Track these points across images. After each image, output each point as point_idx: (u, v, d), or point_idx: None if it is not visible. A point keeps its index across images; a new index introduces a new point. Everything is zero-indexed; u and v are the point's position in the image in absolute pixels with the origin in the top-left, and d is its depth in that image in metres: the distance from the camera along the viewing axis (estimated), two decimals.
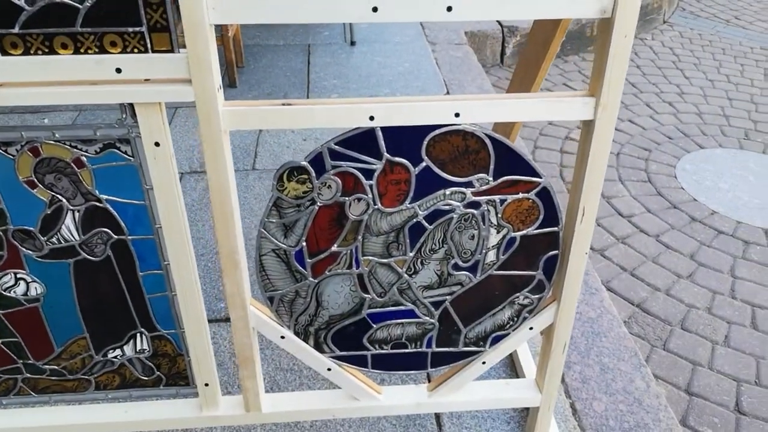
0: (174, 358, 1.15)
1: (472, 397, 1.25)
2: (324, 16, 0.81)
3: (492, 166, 0.98)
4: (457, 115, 0.91)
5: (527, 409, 1.40)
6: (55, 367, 1.13)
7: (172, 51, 0.83)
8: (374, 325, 1.14)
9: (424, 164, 0.97)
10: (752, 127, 3.15)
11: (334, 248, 1.04)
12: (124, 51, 0.83)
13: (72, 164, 0.92)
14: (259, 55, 3.23)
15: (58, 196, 0.94)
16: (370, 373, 1.22)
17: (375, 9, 0.82)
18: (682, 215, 2.49)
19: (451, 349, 1.19)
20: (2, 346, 1.09)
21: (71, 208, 0.95)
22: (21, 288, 1.03)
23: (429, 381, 1.47)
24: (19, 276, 1.01)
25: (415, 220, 1.02)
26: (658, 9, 4.38)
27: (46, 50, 0.82)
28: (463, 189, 1.00)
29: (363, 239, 1.04)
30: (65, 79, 0.83)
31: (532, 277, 1.10)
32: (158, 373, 1.16)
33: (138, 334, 1.11)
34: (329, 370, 1.18)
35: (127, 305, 1.07)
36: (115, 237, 0.99)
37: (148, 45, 0.83)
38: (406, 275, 1.08)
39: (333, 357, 1.17)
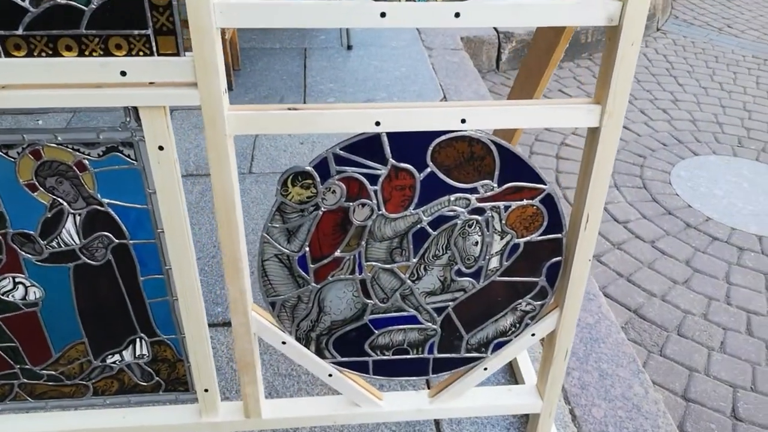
0: (174, 364, 1.13)
1: (474, 404, 1.25)
2: (332, 21, 0.81)
3: (497, 173, 0.98)
4: (463, 121, 0.91)
5: (527, 415, 1.40)
6: (53, 372, 1.12)
7: (177, 54, 0.82)
8: (376, 331, 1.14)
9: (429, 170, 0.97)
10: (745, 135, 3.18)
11: (338, 254, 1.04)
12: (129, 54, 0.82)
13: (74, 167, 0.91)
14: (256, 59, 3.23)
15: (59, 199, 0.93)
16: (371, 379, 1.21)
17: (383, 14, 0.82)
18: (677, 221, 2.51)
19: (453, 356, 1.18)
20: None
21: (72, 211, 0.94)
22: (19, 292, 1.01)
23: (428, 387, 1.47)
24: (17, 280, 1.00)
25: (419, 225, 1.02)
26: (651, 17, 4.41)
27: (50, 52, 0.81)
28: (467, 195, 0.99)
29: (366, 245, 1.03)
30: (69, 81, 0.82)
31: (534, 283, 1.10)
32: (157, 378, 1.15)
33: (137, 339, 1.09)
34: (330, 376, 1.17)
35: (127, 310, 1.06)
36: (117, 241, 0.98)
37: (154, 48, 0.82)
38: (409, 281, 1.08)
39: (334, 363, 1.17)
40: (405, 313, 1.12)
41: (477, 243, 1.05)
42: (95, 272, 1.01)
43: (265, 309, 1.11)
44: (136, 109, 0.87)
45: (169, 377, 1.15)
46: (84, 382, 1.14)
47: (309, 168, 0.95)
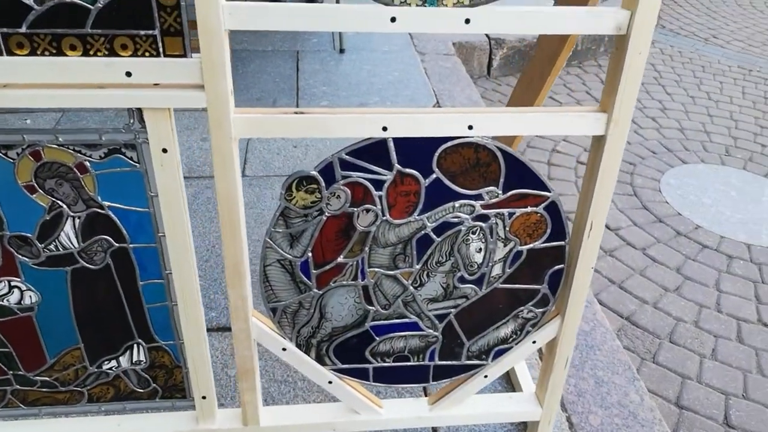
0: (171, 370, 1.11)
1: (473, 411, 1.24)
2: (343, 25, 0.80)
3: (502, 179, 0.97)
4: (470, 127, 0.91)
5: (524, 422, 1.40)
6: (47, 378, 1.09)
7: (184, 56, 0.81)
8: (377, 338, 1.13)
9: (434, 176, 0.96)
10: (732, 144, 3.22)
11: (340, 259, 1.03)
12: (134, 54, 0.80)
13: (74, 169, 0.89)
14: (248, 60, 3.21)
15: (58, 201, 0.91)
16: (370, 386, 1.20)
17: (393, 19, 0.81)
18: (667, 229, 2.53)
19: (454, 363, 1.18)
20: None
21: (72, 214, 0.92)
22: (15, 296, 0.99)
23: (425, 394, 1.46)
24: (13, 284, 0.98)
25: (423, 232, 1.01)
26: None
27: (54, 51, 0.79)
28: (472, 202, 0.99)
29: (370, 251, 1.02)
30: (72, 81, 0.81)
31: (536, 290, 1.10)
32: (154, 385, 1.13)
33: (135, 345, 1.07)
34: (330, 383, 1.16)
35: (125, 315, 1.04)
36: (116, 245, 0.96)
37: (160, 49, 0.80)
38: (411, 287, 1.07)
39: (334, 370, 1.16)
40: (407, 320, 1.11)
41: (480, 250, 1.04)
42: (93, 276, 0.98)
43: (265, 315, 1.09)
44: (140, 110, 0.85)
45: (166, 384, 1.13)
46: (79, 389, 1.11)
47: (314, 172, 0.94)
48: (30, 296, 0.99)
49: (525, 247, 1.05)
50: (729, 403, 1.80)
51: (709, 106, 3.61)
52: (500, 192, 0.99)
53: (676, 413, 1.77)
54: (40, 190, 0.90)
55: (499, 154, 0.95)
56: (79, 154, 0.87)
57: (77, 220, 0.93)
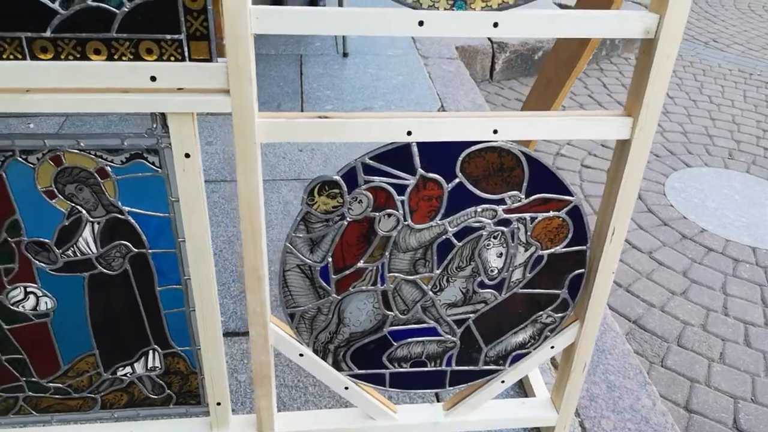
0: (186, 376, 1.10)
1: (489, 416, 1.23)
2: (370, 29, 0.80)
3: (525, 184, 0.97)
4: (495, 131, 0.90)
5: (537, 428, 1.39)
6: (60, 385, 1.08)
7: (210, 60, 0.80)
8: (395, 343, 1.12)
9: (457, 180, 0.95)
10: (735, 147, 3.23)
11: (360, 264, 1.02)
12: (159, 59, 0.79)
13: (95, 174, 0.88)
14: None
15: (77, 207, 0.90)
16: (384, 391, 1.19)
17: (421, 23, 0.81)
18: (672, 233, 2.53)
19: (471, 368, 1.17)
20: (6, 363, 1.03)
21: (91, 219, 0.91)
22: (30, 302, 0.98)
23: (437, 399, 1.45)
24: (29, 290, 0.96)
25: (444, 236, 1.01)
26: None
27: (78, 56, 0.78)
28: (494, 206, 0.98)
29: (390, 255, 1.02)
30: (96, 86, 0.80)
31: (556, 295, 1.09)
32: (169, 391, 1.12)
33: (150, 351, 1.06)
34: (346, 388, 1.15)
35: (142, 321, 1.02)
36: (135, 250, 0.95)
37: (186, 53, 0.80)
38: (431, 292, 1.06)
39: (351, 375, 1.15)
40: (425, 325, 1.10)
41: (501, 254, 1.04)
42: (111, 282, 0.97)
43: (282, 320, 1.08)
44: (163, 115, 0.84)
45: (181, 390, 1.12)
46: (92, 395, 1.10)
47: (337, 177, 0.93)
48: (46, 302, 0.98)
49: (546, 252, 1.04)
50: (738, 406, 1.80)
51: (711, 110, 3.62)
52: (523, 196, 0.98)
53: (686, 417, 1.77)
54: (60, 196, 0.89)
55: (523, 158, 0.94)
56: (100, 159, 0.86)
57: (96, 226, 0.92)
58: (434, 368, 1.16)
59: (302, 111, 2.79)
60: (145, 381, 1.10)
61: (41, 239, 0.92)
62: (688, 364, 1.94)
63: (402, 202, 0.96)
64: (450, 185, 0.96)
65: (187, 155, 0.87)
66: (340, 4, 3.25)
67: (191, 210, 0.91)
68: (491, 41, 3.70)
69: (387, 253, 1.01)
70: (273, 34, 0.79)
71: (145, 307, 1.01)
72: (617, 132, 0.92)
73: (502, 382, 1.18)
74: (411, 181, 0.95)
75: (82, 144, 0.85)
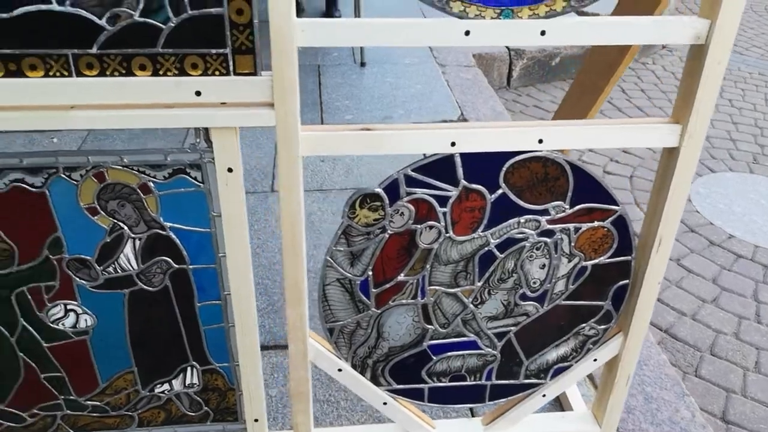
0: (224, 393, 1.09)
1: (530, 431, 1.21)
2: (417, 40, 0.79)
3: (570, 194, 0.95)
4: (540, 141, 0.89)
5: None
6: (98, 403, 1.07)
7: (254, 74, 0.80)
8: (434, 357, 1.10)
9: (500, 191, 0.94)
10: (759, 152, 3.19)
11: (401, 277, 1.00)
12: (204, 73, 0.79)
13: (138, 190, 0.87)
14: None
15: (119, 223, 0.89)
16: (423, 406, 1.17)
17: (467, 33, 0.79)
18: (700, 239, 2.49)
19: (512, 382, 1.14)
20: (44, 381, 1.03)
21: (132, 236, 0.90)
22: (70, 320, 0.97)
23: (472, 414, 1.43)
24: (69, 307, 0.96)
25: (486, 248, 0.99)
26: None
27: (123, 72, 0.78)
28: (538, 217, 0.97)
29: (431, 268, 1.00)
30: (141, 102, 0.79)
31: (599, 307, 1.07)
32: (206, 408, 1.10)
33: (189, 368, 1.05)
34: (385, 404, 1.13)
35: (181, 338, 1.01)
36: (176, 266, 0.94)
37: (231, 67, 0.79)
38: (471, 305, 1.05)
39: (389, 390, 1.13)
40: (465, 339, 1.08)
41: (544, 266, 1.02)
42: (151, 299, 0.96)
43: (320, 335, 1.07)
44: (206, 129, 0.83)
45: (219, 407, 1.11)
46: (129, 413, 1.09)
47: (379, 189, 0.92)
48: (85, 319, 0.97)
49: (590, 263, 1.02)
50: None
51: (733, 114, 3.58)
52: (567, 207, 0.96)
53: (723, 429, 1.73)
54: (102, 212, 0.88)
55: (568, 168, 0.93)
56: (143, 175, 0.86)
57: (137, 242, 0.91)
58: (474, 382, 1.14)
59: (322, 122, 2.79)
60: (182, 398, 1.08)
61: (82, 256, 0.91)
62: (723, 373, 1.89)
63: (444, 213, 0.95)
64: (493, 196, 0.94)
65: (230, 169, 0.86)
66: (357, 13, 3.26)
67: (233, 225, 0.90)
68: (508, 48, 3.69)
69: (428, 266, 1.00)
70: (318, 46, 0.79)
71: (185, 323, 1.00)
72: (665, 140, 0.90)
73: (543, 396, 1.16)
74: (453, 192, 0.93)
75: (125, 160, 0.84)
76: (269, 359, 1.59)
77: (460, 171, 0.91)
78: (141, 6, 0.74)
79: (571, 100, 1.27)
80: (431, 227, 0.96)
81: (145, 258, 0.93)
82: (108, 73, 0.77)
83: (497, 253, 0.99)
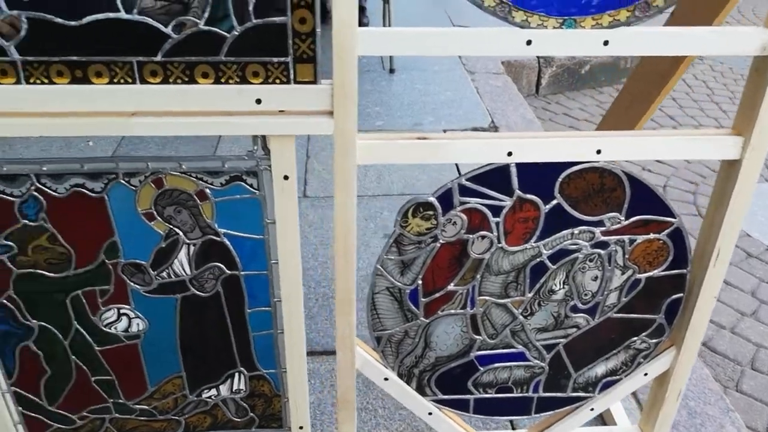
0: (270, 399, 1.09)
1: None
2: (477, 49, 0.78)
3: (626, 205, 0.93)
4: (598, 152, 0.87)
5: None
6: (146, 407, 1.07)
7: (314, 82, 0.80)
8: (481, 368, 1.09)
9: (555, 202, 0.93)
10: None
11: (451, 287, 0.99)
12: (265, 81, 0.79)
13: (194, 196, 0.87)
14: None
15: (175, 229, 0.90)
16: (469, 417, 1.16)
17: (529, 42, 0.79)
18: (737, 251, 2.44)
19: (559, 395, 1.13)
20: (95, 384, 1.03)
21: (187, 241, 0.91)
22: (122, 324, 0.98)
23: (512, 427, 1.41)
24: (122, 311, 0.97)
25: (538, 259, 0.98)
26: None
27: (186, 79, 0.78)
28: (592, 228, 0.95)
29: (481, 278, 0.99)
30: (202, 109, 0.80)
31: (652, 320, 1.05)
32: (252, 414, 1.10)
33: (236, 374, 1.05)
34: (430, 414, 1.12)
35: (230, 343, 1.02)
36: (228, 272, 0.94)
37: (291, 75, 0.79)
38: (521, 316, 1.03)
39: (434, 400, 1.12)
40: (513, 350, 1.07)
41: (596, 278, 1.00)
42: (202, 304, 0.97)
43: (367, 344, 1.06)
44: (264, 137, 0.84)
45: (264, 413, 1.11)
46: (176, 418, 1.09)
47: (432, 199, 0.91)
48: (138, 324, 0.98)
49: (643, 275, 1.00)
50: None
51: None
52: (623, 218, 0.94)
53: None
54: (159, 218, 0.89)
55: (625, 179, 0.91)
56: (201, 182, 0.86)
57: (192, 248, 0.92)
58: (520, 394, 1.12)
59: None
60: (229, 403, 1.09)
61: (138, 261, 0.92)
62: (765, 388, 1.85)
63: (497, 223, 0.94)
64: (547, 207, 0.93)
65: (286, 177, 0.86)
66: (386, 20, 3.26)
67: (286, 231, 0.91)
68: (537, 56, 3.66)
69: (478, 276, 0.99)
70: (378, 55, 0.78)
71: (234, 329, 1.00)
72: (726, 152, 0.88)
73: (591, 409, 1.14)
74: (507, 202, 0.92)
75: (184, 166, 0.85)
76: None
77: (515, 181, 0.91)
78: (206, 15, 0.74)
79: (619, 108, 1.26)
80: (483, 237, 0.95)
81: (199, 264, 0.93)
82: (171, 80, 0.78)
83: (549, 264, 0.98)
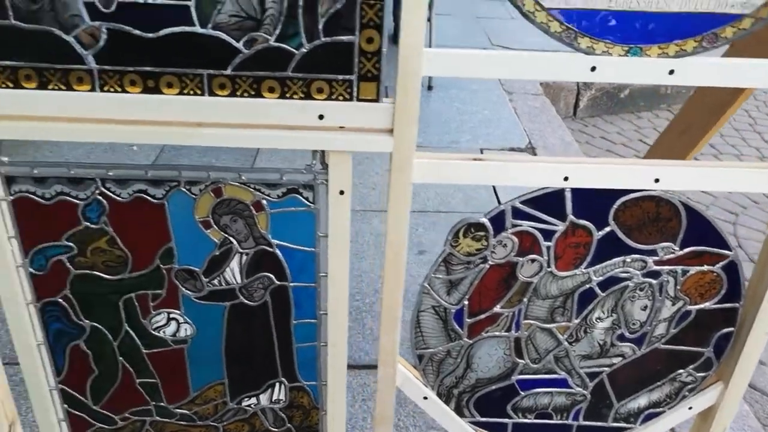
0: (308, 411, 1.09)
1: None
2: (543, 74, 0.79)
3: (681, 236, 0.92)
4: (656, 180, 0.87)
5: None
6: (186, 411, 1.09)
7: (377, 100, 0.81)
8: (522, 393, 1.08)
9: (608, 229, 0.92)
10: None
11: (497, 309, 0.99)
12: (328, 98, 0.81)
13: (251, 207, 0.89)
14: None
15: (230, 238, 0.91)
16: None
17: (593, 68, 0.79)
18: None
19: (600, 424, 1.11)
20: (139, 386, 1.05)
21: (240, 251, 0.92)
22: (171, 328, 0.99)
23: None
24: (172, 316, 0.98)
25: (587, 285, 0.97)
26: None
27: (253, 93, 0.80)
28: (645, 257, 0.94)
29: (528, 302, 0.98)
30: (266, 122, 0.82)
31: (700, 353, 1.03)
32: (289, 425, 1.11)
33: (277, 384, 1.06)
34: None
35: (273, 353, 1.02)
36: (277, 283, 0.95)
37: (354, 93, 0.80)
38: (566, 342, 1.02)
39: (472, 422, 1.11)
40: (555, 376, 1.06)
41: (646, 308, 0.99)
42: (250, 313, 0.98)
43: (409, 361, 1.06)
44: (323, 152, 0.85)
45: (301, 425, 1.11)
46: (215, 424, 1.10)
47: (484, 220, 0.92)
48: (186, 329, 1.00)
49: (694, 307, 0.98)
50: None
51: None
52: (677, 248, 0.93)
53: None
54: (215, 226, 0.90)
55: (682, 209, 0.90)
56: (258, 193, 0.88)
57: (244, 257, 0.93)
58: (560, 421, 1.11)
59: None
60: (267, 413, 1.09)
61: (191, 267, 0.94)
62: None
63: (548, 248, 0.93)
64: (600, 233, 0.92)
65: (341, 192, 0.87)
66: (428, 38, 3.29)
67: (337, 246, 0.91)
68: None
69: (525, 300, 0.98)
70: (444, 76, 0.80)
71: (279, 339, 1.01)
72: None
73: None
74: (560, 227, 0.92)
75: (243, 177, 0.87)
76: None
77: (569, 206, 0.90)
78: (277, 32, 0.76)
79: (670, 137, 1.24)
80: (533, 261, 0.95)
81: (250, 273, 0.95)
82: (238, 93, 0.80)
83: (598, 291, 0.97)
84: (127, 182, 0.87)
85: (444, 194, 2.46)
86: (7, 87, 0.79)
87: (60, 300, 0.96)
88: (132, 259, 0.93)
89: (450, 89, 3.38)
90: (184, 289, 0.96)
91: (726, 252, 0.94)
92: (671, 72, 0.79)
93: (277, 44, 0.77)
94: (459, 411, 1.10)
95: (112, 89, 0.79)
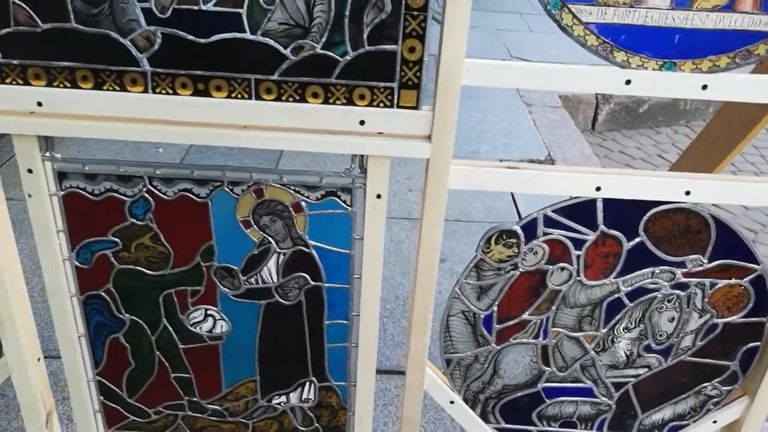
0: (336, 411, 1.11)
1: None
2: (579, 86, 0.81)
3: (710, 248, 0.94)
4: (687, 193, 0.88)
5: None
6: (218, 407, 1.11)
7: (416, 108, 0.84)
8: (547, 400, 1.09)
9: (638, 240, 0.94)
10: None
11: (525, 316, 1.01)
12: (370, 104, 0.83)
13: (290, 208, 0.92)
14: None
15: (268, 237, 0.94)
16: None
17: (628, 82, 0.81)
18: None
19: None
20: (173, 380, 1.08)
21: (278, 251, 0.95)
22: (207, 324, 1.02)
23: None
24: (209, 312, 1.01)
25: (615, 295, 0.98)
26: None
27: (297, 98, 0.83)
28: (674, 269, 0.96)
29: (556, 310, 1.00)
30: (309, 126, 0.85)
31: (726, 367, 1.04)
32: (317, 424, 1.13)
33: (307, 383, 1.08)
34: None
35: (305, 352, 1.05)
36: (312, 283, 0.98)
37: (395, 100, 0.83)
38: (593, 352, 1.04)
39: (497, 428, 1.12)
40: (581, 385, 1.07)
41: (673, 319, 1.00)
42: (284, 312, 1.01)
43: (436, 365, 1.08)
44: (362, 156, 0.88)
45: (329, 425, 1.13)
46: (245, 421, 1.13)
47: (516, 227, 0.94)
48: (222, 326, 1.02)
49: (721, 320, 0.99)
50: None
51: None
52: (705, 261, 0.95)
53: None
54: (255, 226, 0.93)
55: (711, 222, 0.92)
56: (298, 194, 0.91)
57: (281, 257, 0.96)
58: (584, 431, 1.12)
59: None
60: (296, 411, 1.12)
61: (230, 265, 0.97)
62: None
63: (578, 257, 0.95)
64: (630, 244, 0.94)
65: (378, 196, 0.90)
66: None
67: (372, 248, 0.94)
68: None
69: (554, 307, 1.00)
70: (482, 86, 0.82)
71: (311, 339, 1.03)
72: None
73: None
74: (590, 236, 0.94)
75: (284, 179, 0.90)
76: None
77: (600, 216, 0.92)
78: (324, 39, 0.79)
79: (697, 150, 1.26)
80: (563, 269, 0.96)
81: (286, 273, 0.97)
82: (284, 98, 0.83)
83: (627, 301, 0.99)
84: (173, 181, 0.90)
85: (464, 204, 2.47)
86: (65, 87, 0.82)
87: (102, 293, 0.99)
88: (174, 255, 0.96)
89: (469, 99, 3.40)
90: (222, 286, 0.99)
91: (754, 266, 0.95)
92: (704, 87, 0.81)
93: (323, 51, 0.80)
94: (484, 416, 1.11)
95: (163, 91, 0.83)
